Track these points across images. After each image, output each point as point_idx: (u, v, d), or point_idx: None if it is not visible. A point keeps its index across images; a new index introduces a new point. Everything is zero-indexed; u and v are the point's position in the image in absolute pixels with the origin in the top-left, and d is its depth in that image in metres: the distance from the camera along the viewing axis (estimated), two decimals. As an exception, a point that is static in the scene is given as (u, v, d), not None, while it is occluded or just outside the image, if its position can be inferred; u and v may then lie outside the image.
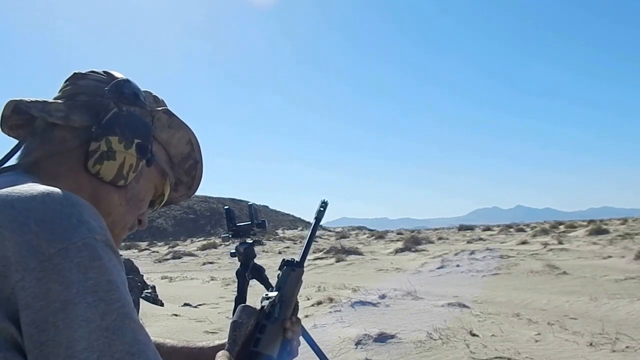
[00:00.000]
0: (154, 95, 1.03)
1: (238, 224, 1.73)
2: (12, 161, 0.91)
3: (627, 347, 4.09)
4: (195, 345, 1.15)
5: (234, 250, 1.76)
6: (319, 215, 1.20)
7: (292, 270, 1.09)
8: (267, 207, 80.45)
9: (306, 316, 5.31)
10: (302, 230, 48.23)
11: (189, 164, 1.06)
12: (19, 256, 0.68)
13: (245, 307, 1.03)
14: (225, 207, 1.77)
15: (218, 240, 27.50)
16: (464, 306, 5.84)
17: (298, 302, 1.11)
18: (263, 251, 20.18)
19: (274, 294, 1.06)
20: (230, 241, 1.74)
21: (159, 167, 1.00)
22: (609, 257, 11.14)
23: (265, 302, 1.05)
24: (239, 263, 1.75)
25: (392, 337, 4.38)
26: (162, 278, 12.26)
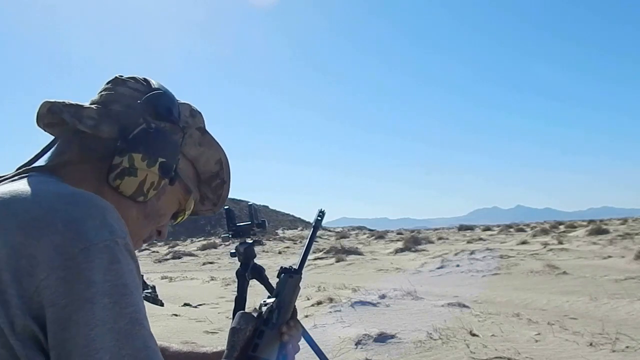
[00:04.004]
0: (191, 109, 1.02)
1: (238, 224, 1.73)
2: (41, 161, 0.93)
3: (627, 347, 4.09)
4: (198, 350, 1.17)
5: (234, 250, 1.76)
6: (317, 224, 1.22)
7: (289, 277, 1.11)
8: (267, 207, 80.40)
9: (306, 316, 5.31)
10: (302, 230, 48.22)
11: (216, 183, 1.07)
12: (45, 255, 0.70)
13: (243, 313, 1.06)
14: (225, 207, 1.77)
15: (218, 240, 27.50)
16: (464, 306, 5.84)
17: (296, 307, 1.13)
18: (263, 251, 20.19)
19: (272, 300, 1.08)
20: (230, 241, 1.74)
21: (184, 183, 1.00)
22: (609, 257, 11.14)
23: (264, 309, 1.07)
24: (239, 263, 1.75)
25: (392, 337, 4.38)
26: (162, 278, 12.25)
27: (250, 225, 1.73)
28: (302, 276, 1.13)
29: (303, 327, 1.17)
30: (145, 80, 0.97)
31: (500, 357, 3.87)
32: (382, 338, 4.34)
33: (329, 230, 42.31)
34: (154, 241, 1.08)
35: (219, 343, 1.17)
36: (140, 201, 0.92)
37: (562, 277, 8.76)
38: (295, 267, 1.13)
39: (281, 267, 1.13)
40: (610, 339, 4.25)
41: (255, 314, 1.06)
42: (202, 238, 40.41)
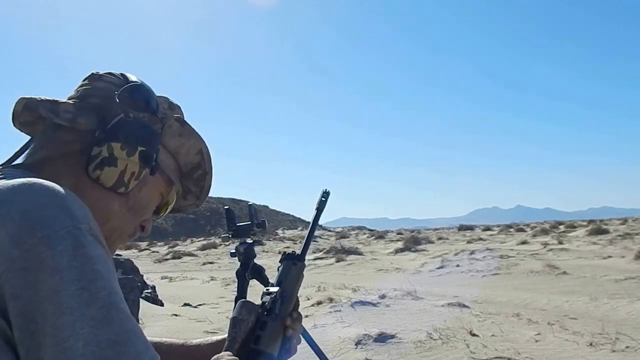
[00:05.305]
0: (170, 102, 1.02)
1: (238, 224, 1.73)
2: (20, 159, 0.91)
3: (627, 347, 4.09)
4: (192, 343, 1.14)
5: (234, 250, 1.75)
6: (321, 205, 1.16)
7: (293, 264, 1.06)
8: (267, 207, 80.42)
9: (306, 316, 5.31)
10: (302, 230, 48.19)
11: (198, 174, 1.05)
12: (2, 248, 0.68)
13: (245, 302, 1.00)
14: (225, 207, 1.77)
15: (218, 240, 27.48)
16: (464, 306, 5.84)
17: (299, 297, 1.08)
18: (263, 251, 20.18)
19: (275, 289, 1.03)
20: (230, 241, 1.73)
21: (165, 175, 0.98)
22: (609, 257, 11.14)
23: (266, 298, 1.02)
24: (239, 263, 1.74)
25: (392, 337, 4.38)
26: (162, 278, 12.25)
27: (250, 225, 1.72)
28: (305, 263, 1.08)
29: (303, 327, 1.14)
30: (122, 74, 0.96)
31: (500, 357, 3.87)
32: (382, 338, 4.34)
33: (329, 230, 42.29)
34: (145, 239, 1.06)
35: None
36: (122, 192, 0.90)
37: (562, 277, 8.76)
38: (299, 252, 1.08)
39: (284, 253, 1.08)
40: (610, 339, 4.25)
41: (257, 304, 1.01)
42: (202, 238, 40.38)
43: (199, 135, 1.02)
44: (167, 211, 1.05)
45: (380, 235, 29.90)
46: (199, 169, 1.04)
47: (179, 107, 1.03)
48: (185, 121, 1.01)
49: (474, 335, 4.46)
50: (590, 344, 4.16)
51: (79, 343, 0.66)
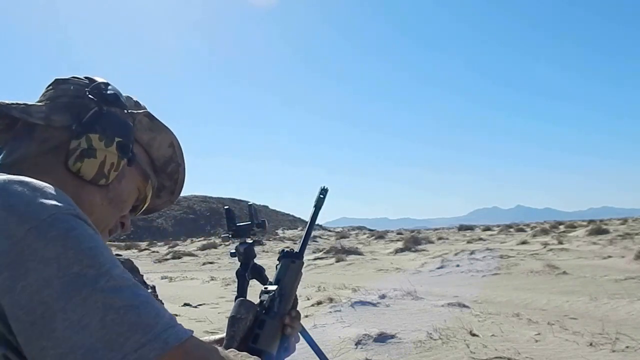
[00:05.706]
0: (135, 100, 1.04)
1: (238, 224, 1.73)
2: None
3: (627, 347, 4.09)
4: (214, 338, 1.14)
5: (234, 250, 1.75)
6: (319, 202, 1.16)
7: (291, 262, 1.06)
8: (267, 207, 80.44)
9: (306, 316, 5.30)
10: (302, 230, 48.17)
11: (172, 167, 1.06)
12: None
13: (243, 301, 1.00)
14: (225, 207, 1.77)
15: (218, 240, 27.48)
16: (464, 306, 5.84)
17: (297, 295, 1.07)
18: (263, 251, 20.17)
19: (274, 287, 1.03)
20: (230, 241, 1.73)
21: (141, 168, 1.00)
22: (609, 257, 11.14)
23: (265, 296, 1.02)
24: (239, 263, 1.74)
25: (392, 337, 4.38)
26: (162, 278, 12.25)
27: (250, 225, 1.72)
28: (304, 261, 1.07)
29: (303, 327, 1.14)
30: (86, 77, 0.98)
31: (500, 357, 3.87)
32: (382, 338, 4.34)
33: (329, 230, 42.27)
34: (123, 235, 1.06)
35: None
36: (103, 184, 0.92)
37: (562, 277, 8.76)
38: (296, 250, 1.08)
39: (282, 250, 1.07)
40: (610, 339, 4.25)
41: (255, 302, 1.00)
42: (202, 238, 40.35)
43: (169, 129, 1.04)
44: (144, 207, 1.06)
45: (380, 235, 29.89)
46: (171, 162, 1.06)
47: (144, 106, 1.05)
48: (153, 116, 1.02)
49: (474, 335, 4.46)
50: (590, 344, 4.16)
51: (95, 318, 0.66)
